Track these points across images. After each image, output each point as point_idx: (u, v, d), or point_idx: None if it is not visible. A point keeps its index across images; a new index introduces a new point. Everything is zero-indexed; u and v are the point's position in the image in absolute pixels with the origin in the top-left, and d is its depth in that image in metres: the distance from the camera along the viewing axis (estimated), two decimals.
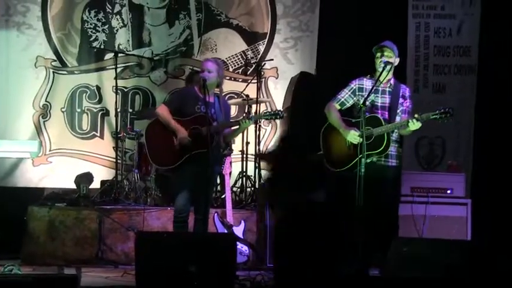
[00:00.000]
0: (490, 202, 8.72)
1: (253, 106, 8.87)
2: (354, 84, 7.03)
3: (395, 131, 6.86)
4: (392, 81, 6.98)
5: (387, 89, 6.94)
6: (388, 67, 6.79)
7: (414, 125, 6.65)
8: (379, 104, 6.89)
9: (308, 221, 5.74)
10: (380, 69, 6.83)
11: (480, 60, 9.32)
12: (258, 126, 8.95)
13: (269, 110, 7.25)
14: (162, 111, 7.07)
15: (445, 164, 9.13)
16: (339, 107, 7.02)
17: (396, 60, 6.91)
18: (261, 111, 8.36)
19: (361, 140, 6.49)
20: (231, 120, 7.22)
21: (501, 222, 8.66)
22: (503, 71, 9.10)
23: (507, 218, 8.72)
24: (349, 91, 7.01)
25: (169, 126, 6.97)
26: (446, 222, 8.17)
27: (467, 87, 9.38)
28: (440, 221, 8.17)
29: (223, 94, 7.41)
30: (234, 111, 9.26)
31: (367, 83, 6.99)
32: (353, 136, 6.73)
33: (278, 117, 7.08)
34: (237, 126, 7.05)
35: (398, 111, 6.94)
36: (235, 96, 9.30)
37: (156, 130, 7.09)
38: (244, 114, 8.46)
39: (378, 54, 6.91)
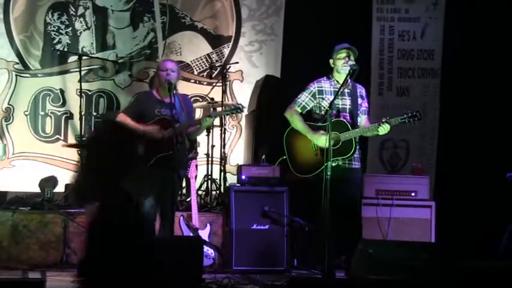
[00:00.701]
0: (454, 204, 8.78)
1: (218, 109, 8.85)
2: (313, 87, 7.02)
3: None
4: (350, 82, 6.98)
5: (346, 91, 6.95)
6: (356, 71, 6.77)
7: (384, 129, 6.67)
8: (340, 107, 6.89)
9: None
10: (343, 72, 6.84)
11: (444, 63, 9.40)
12: (223, 129, 8.95)
13: (229, 105, 7.17)
14: (122, 119, 7.01)
15: (409, 167, 9.19)
16: (300, 111, 7.00)
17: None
18: (221, 108, 8.30)
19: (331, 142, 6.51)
20: (193, 119, 7.07)
21: (464, 224, 8.74)
22: (466, 74, 9.19)
23: (470, 220, 8.80)
24: (309, 94, 7.00)
25: (134, 130, 6.91)
26: (410, 225, 8.22)
27: (430, 91, 9.45)
28: (405, 223, 8.22)
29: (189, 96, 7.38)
30: (199, 114, 9.24)
31: (325, 85, 7.00)
32: (321, 140, 6.70)
33: (239, 111, 7.04)
34: (203, 123, 6.97)
35: (358, 112, 6.96)
36: (200, 100, 9.27)
37: None
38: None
39: (342, 55, 6.90)
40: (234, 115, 7.52)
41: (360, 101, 6.97)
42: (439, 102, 9.42)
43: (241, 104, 7.12)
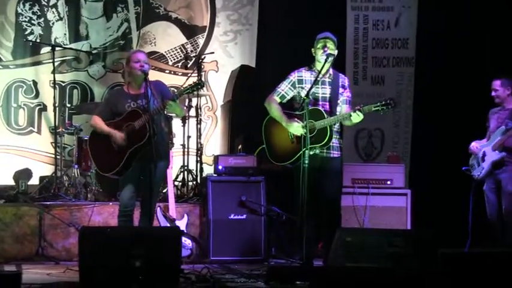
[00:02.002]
0: (428, 191, 8.84)
1: (194, 100, 8.84)
2: (293, 77, 7.02)
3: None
4: (331, 72, 6.98)
5: (327, 80, 6.95)
6: (331, 59, 6.81)
7: (358, 117, 6.70)
8: (320, 96, 6.89)
9: None
10: (322, 61, 6.84)
11: (417, 52, 9.46)
12: (198, 119, 8.93)
13: (189, 83, 7.05)
14: (95, 121, 6.94)
15: (384, 156, 9.25)
16: (279, 100, 7.00)
17: (336, 52, 6.94)
18: (181, 88, 8.17)
19: (304, 131, 6.51)
20: (158, 105, 6.95)
21: (439, 211, 8.79)
22: (439, 62, 9.24)
23: (445, 207, 8.86)
24: (289, 83, 7.00)
25: (104, 133, 6.88)
26: (386, 213, 8.28)
27: (405, 79, 9.52)
28: (381, 211, 8.28)
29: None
30: None
31: (306, 75, 6.99)
32: (296, 128, 6.74)
33: (199, 86, 6.93)
34: (168, 108, 6.86)
35: (338, 101, 6.96)
36: (176, 90, 9.22)
37: (96, 140, 6.99)
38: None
39: (320, 46, 6.90)
40: (195, 91, 7.41)
41: (341, 90, 6.97)
42: (414, 90, 9.48)
43: (201, 80, 7.03)
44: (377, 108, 6.73)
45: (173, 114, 7.35)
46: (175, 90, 8.05)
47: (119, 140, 6.77)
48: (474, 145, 7.76)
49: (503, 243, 7.51)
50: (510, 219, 7.50)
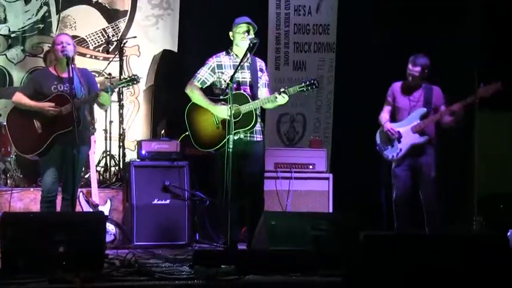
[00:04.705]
0: (349, 175, 8.96)
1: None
2: (212, 62, 7.04)
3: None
4: (248, 55, 7.01)
5: (246, 64, 6.99)
6: (255, 46, 6.80)
7: (283, 99, 6.76)
8: (240, 80, 6.93)
9: None
10: (243, 46, 6.87)
11: (338, 38, 9.56)
12: (120, 104, 8.87)
13: (125, 76, 7.05)
14: (18, 98, 6.84)
15: (306, 140, 9.34)
16: (200, 86, 7.01)
17: (257, 40, 6.95)
18: (117, 81, 8.18)
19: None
20: (91, 93, 6.95)
21: (359, 195, 8.93)
22: (360, 48, 9.36)
23: (365, 190, 8.99)
24: (208, 69, 7.02)
25: (30, 108, 6.78)
26: (309, 197, 8.37)
27: (326, 65, 9.61)
28: (303, 195, 8.37)
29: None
30: None
31: (224, 60, 7.03)
32: (222, 111, 6.74)
33: (135, 82, 6.96)
34: (100, 99, 6.85)
35: (258, 85, 7.02)
36: (97, 75, 9.13)
37: (16, 119, 6.88)
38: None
39: (242, 30, 6.92)
40: (130, 86, 7.43)
41: (259, 74, 7.03)
42: (334, 76, 9.58)
43: (136, 75, 7.01)
44: (302, 88, 6.81)
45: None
46: (112, 83, 8.00)
47: (51, 110, 6.68)
48: (390, 128, 7.66)
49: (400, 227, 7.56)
50: (432, 208, 7.46)
